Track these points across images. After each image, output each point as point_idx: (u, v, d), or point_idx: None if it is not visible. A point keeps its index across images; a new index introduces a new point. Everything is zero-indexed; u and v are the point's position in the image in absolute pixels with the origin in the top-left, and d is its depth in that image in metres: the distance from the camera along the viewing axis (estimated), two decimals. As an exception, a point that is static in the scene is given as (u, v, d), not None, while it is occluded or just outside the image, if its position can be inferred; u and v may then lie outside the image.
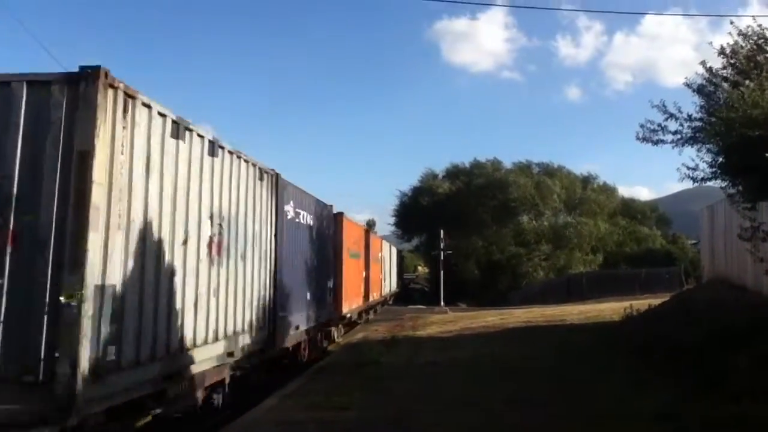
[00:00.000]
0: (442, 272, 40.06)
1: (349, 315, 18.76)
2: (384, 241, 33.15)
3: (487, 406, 8.45)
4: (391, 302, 32.50)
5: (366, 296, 22.75)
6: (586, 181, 52.42)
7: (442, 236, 40.99)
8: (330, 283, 15.77)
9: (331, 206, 16.05)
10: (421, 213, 50.16)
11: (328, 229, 15.40)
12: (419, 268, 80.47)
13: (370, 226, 50.97)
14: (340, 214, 17.44)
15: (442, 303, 37.02)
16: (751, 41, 9.94)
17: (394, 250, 34.80)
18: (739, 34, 10.04)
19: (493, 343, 15.49)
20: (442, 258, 40.57)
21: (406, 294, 48.05)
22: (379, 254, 25.25)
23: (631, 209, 53.80)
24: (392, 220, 56.21)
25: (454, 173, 52.90)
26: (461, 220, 46.15)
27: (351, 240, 19.10)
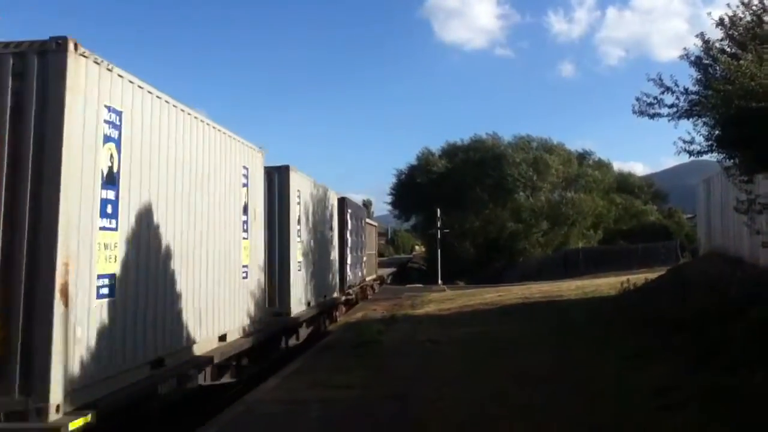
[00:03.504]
0: (439, 251, 40.18)
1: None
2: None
3: (488, 382, 8.53)
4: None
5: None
6: (582, 157, 52.45)
7: (438, 215, 41.03)
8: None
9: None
10: (418, 192, 50.04)
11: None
12: (417, 247, 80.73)
13: (366, 206, 50.86)
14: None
15: (440, 281, 37.16)
16: (751, 11, 9.84)
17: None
18: (741, 3, 9.94)
19: (491, 320, 15.60)
20: (439, 237, 40.67)
21: (404, 273, 48.23)
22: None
23: (628, 184, 53.91)
24: (389, 199, 56.16)
25: (451, 151, 52.60)
26: (458, 199, 46.12)
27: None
